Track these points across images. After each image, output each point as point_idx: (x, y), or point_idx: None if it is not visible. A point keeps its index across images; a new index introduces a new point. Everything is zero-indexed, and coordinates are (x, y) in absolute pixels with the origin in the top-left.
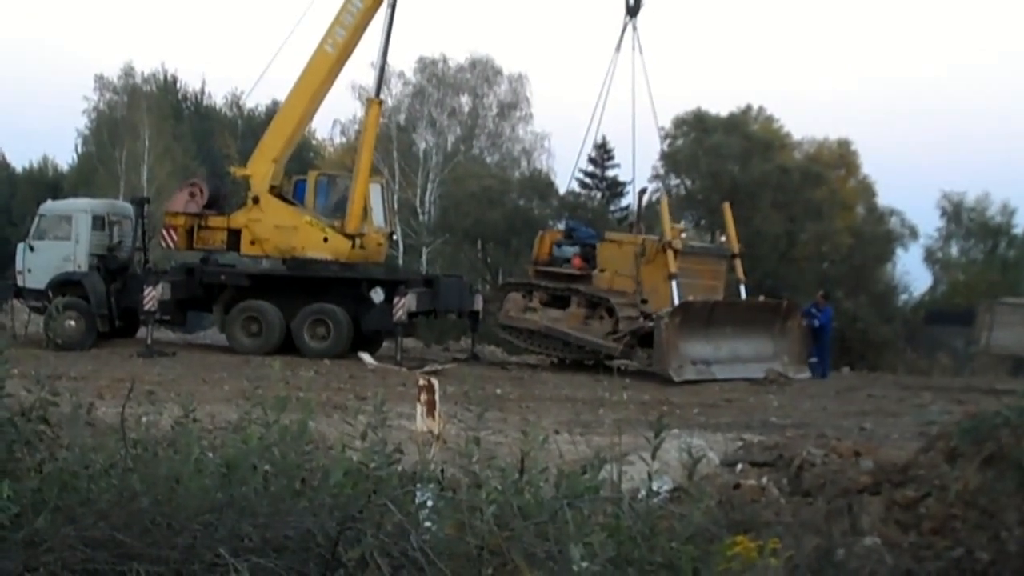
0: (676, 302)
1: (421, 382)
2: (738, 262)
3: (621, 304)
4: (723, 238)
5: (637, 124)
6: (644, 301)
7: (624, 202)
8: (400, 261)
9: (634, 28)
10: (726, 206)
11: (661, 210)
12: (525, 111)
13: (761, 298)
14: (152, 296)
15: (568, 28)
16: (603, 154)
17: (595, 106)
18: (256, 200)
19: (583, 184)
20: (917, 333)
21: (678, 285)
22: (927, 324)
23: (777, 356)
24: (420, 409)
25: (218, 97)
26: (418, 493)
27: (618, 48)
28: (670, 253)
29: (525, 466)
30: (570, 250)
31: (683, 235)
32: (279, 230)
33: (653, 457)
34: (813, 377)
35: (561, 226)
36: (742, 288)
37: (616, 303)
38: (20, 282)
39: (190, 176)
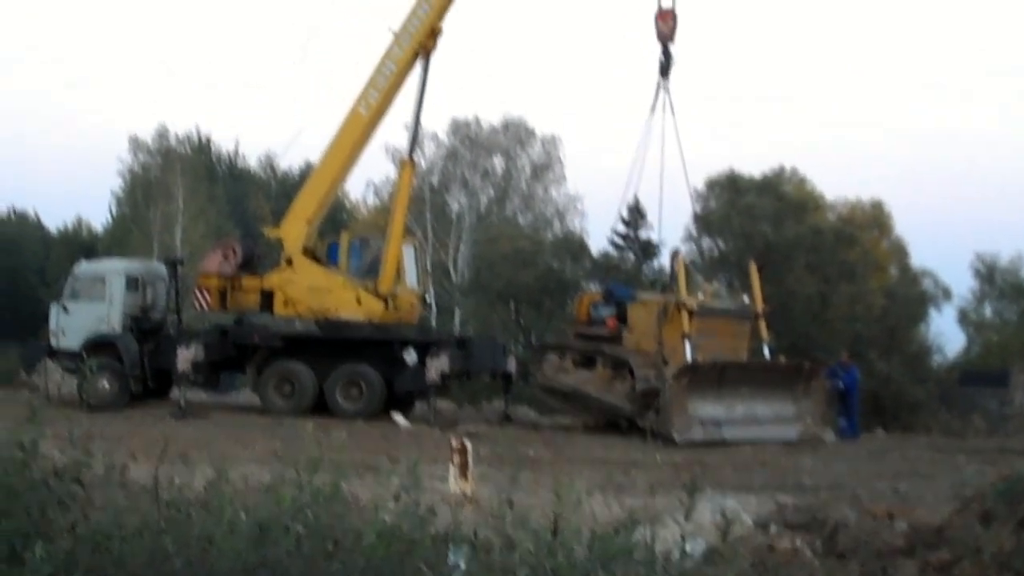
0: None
1: (454, 443)
2: (762, 323)
3: (640, 365)
4: (745, 298)
5: (671, 185)
6: (666, 362)
7: (657, 263)
8: (433, 322)
9: (666, 89)
10: (752, 266)
11: (677, 271)
12: (558, 172)
13: (781, 359)
14: (185, 357)
15: (601, 89)
16: (636, 215)
17: (632, 167)
18: (289, 261)
19: (616, 245)
20: (951, 394)
21: (692, 346)
22: (961, 385)
23: (800, 417)
24: (453, 470)
25: (252, 158)
26: (451, 555)
27: (652, 109)
28: (684, 314)
29: (558, 528)
30: (606, 311)
31: (711, 295)
32: (312, 291)
33: (687, 519)
34: (841, 439)
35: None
36: (766, 349)
37: (635, 364)
38: (54, 343)
39: (224, 237)
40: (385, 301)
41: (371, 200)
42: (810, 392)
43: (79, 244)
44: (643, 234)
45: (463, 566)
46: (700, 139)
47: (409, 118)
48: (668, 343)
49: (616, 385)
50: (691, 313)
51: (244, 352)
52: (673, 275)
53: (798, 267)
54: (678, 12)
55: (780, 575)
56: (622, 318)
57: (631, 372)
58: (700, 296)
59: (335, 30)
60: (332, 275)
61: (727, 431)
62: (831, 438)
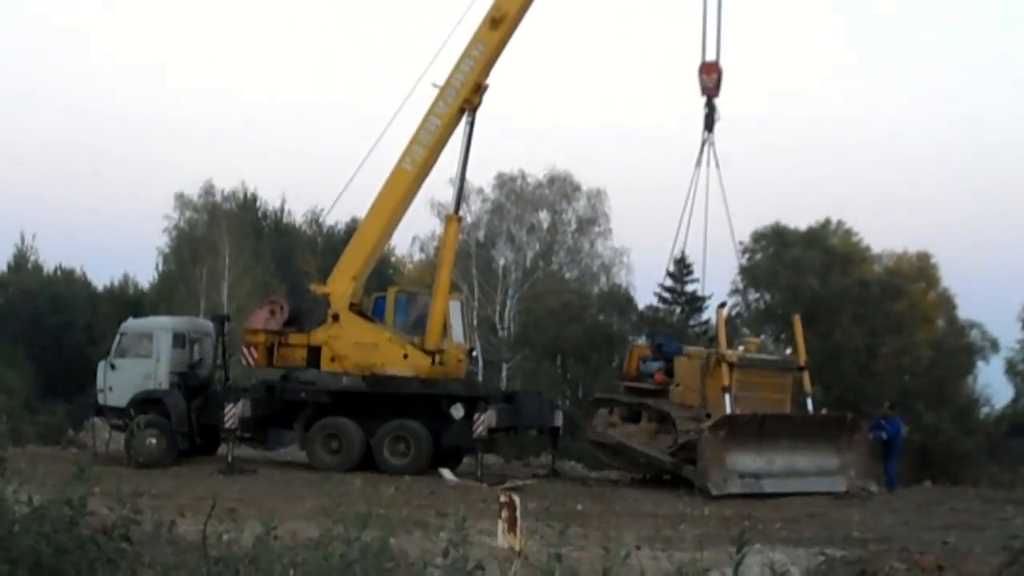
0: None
1: (502, 498)
2: (805, 375)
3: (682, 418)
4: (788, 351)
5: (718, 238)
6: (708, 415)
7: (704, 316)
8: (480, 377)
9: (711, 143)
10: (796, 318)
11: (718, 324)
12: (604, 226)
13: (823, 411)
14: (233, 413)
15: (647, 142)
16: (682, 269)
17: (679, 221)
18: (336, 317)
19: (663, 299)
20: (1000, 446)
21: (732, 398)
22: (1010, 437)
23: (843, 470)
24: (501, 525)
25: (298, 214)
26: None
27: (698, 163)
28: (724, 367)
29: None
30: (654, 365)
31: (756, 348)
32: (359, 347)
33: (736, 573)
34: (887, 490)
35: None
36: (809, 401)
37: (677, 417)
38: (101, 400)
39: (270, 293)
40: (432, 356)
41: (417, 255)
42: (853, 444)
43: (126, 301)
44: (689, 287)
45: None
46: (746, 192)
47: (454, 173)
48: (711, 396)
49: (659, 439)
50: (732, 366)
51: (291, 408)
52: (719, 327)
53: (845, 320)
54: (722, 66)
55: None
56: (670, 372)
57: (674, 425)
58: (741, 349)
59: (379, 84)
60: (379, 331)
61: (767, 484)
62: (875, 490)
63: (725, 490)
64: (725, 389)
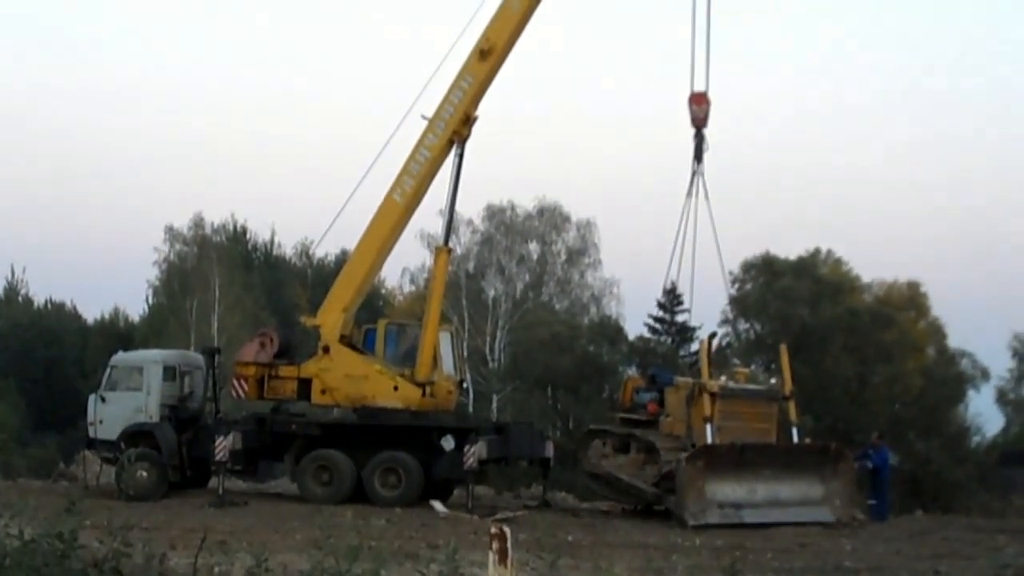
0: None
1: (493, 530)
2: (791, 404)
3: (667, 449)
4: (772, 380)
5: (708, 268)
6: (693, 446)
7: (694, 346)
8: (470, 408)
9: (700, 173)
10: (783, 347)
11: (700, 354)
12: (594, 257)
13: (807, 441)
14: (223, 446)
15: (636, 173)
16: (672, 299)
17: (672, 251)
18: (326, 349)
19: (653, 330)
20: (990, 475)
21: (713, 428)
22: (1001, 466)
23: (828, 500)
24: (492, 557)
25: (287, 247)
26: None
27: (689, 193)
28: (706, 396)
29: None
30: (647, 396)
31: (745, 379)
32: (349, 379)
33: None
34: (872, 520)
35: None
36: (795, 431)
37: (662, 447)
38: (92, 433)
39: (260, 326)
40: (422, 388)
41: (407, 287)
42: (838, 474)
43: (116, 334)
44: (680, 318)
45: None
46: (736, 222)
47: (444, 204)
48: (695, 426)
49: (647, 469)
50: (713, 396)
51: (282, 440)
52: (709, 358)
53: (835, 349)
54: (711, 96)
55: None
56: (662, 402)
57: (658, 456)
58: (723, 379)
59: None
60: (369, 363)
61: (747, 514)
62: (862, 519)
63: (703, 520)
64: (706, 419)
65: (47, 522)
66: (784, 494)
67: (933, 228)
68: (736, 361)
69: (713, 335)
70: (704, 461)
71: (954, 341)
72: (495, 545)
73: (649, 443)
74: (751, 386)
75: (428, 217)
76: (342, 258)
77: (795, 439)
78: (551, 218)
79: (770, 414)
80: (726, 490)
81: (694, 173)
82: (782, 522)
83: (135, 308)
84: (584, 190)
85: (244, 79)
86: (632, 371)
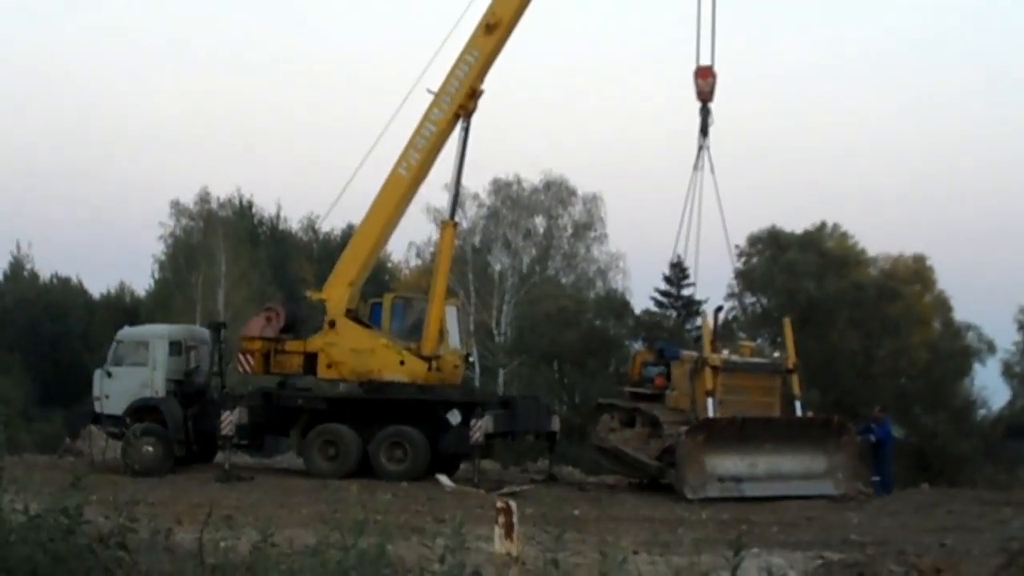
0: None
1: (499, 504)
2: (794, 377)
3: (670, 423)
4: (776, 354)
5: (713, 242)
6: (698, 419)
7: (700, 321)
8: (477, 383)
9: (706, 147)
10: (786, 321)
11: (703, 328)
12: (600, 231)
13: (809, 414)
14: (229, 421)
15: (643, 147)
16: (678, 273)
17: (680, 225)
18: (332, 324)
19: (659, 303)
20: (996, 448)
21: (714, 402)
22: (1007, 439)
23: (830, 473)
24: (498, 531)
25: (293, 221)
26: None
27: (695, 167)
28: (707, 370)
29: None
30: (654, 370)
31: (750, 352)
32: (355, 353)
33: None
34: (876, 494)
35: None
36: (798, 404)
37: (665, 421)
38: (98, 408)
39: (266, 301)
40: (428, 362)
41: (413, 261)
42: (841, 447)
43: (122, 309)
44: (686, 292)
45: None
46: (743, 196)
47: (450, 179)
48: (699, 400)
49: (652, 443)
50: (716, 369)
51: (288, 415)
52: (715, 331)
53: (841, 323)
54: (717, 70)
55: None
56: (670, 376)
57: (662, 430)
58: (725, 353)
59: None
60: (375, 337)
61: (748, 487)
62: (859, 491)
63: (702, 494)
64: (708, 392)
65: (52, 497)
66: (786, 467)
67: (939, 202)
68: (742, 335)
69: (719, 309)
70: (705, 435)
71: (960, 314)
72: (501, 519)
73: (653, 417)
74: (754, 359)
75: (434, 191)
76: (348, 232)
77: (799, 413)
78: (557, 192)
79: (773, 387)
80: (727, 464)
81: (700, 147)
82: (784, 495)
83: (141, 283)
84: (590, 164)
85: (251, 53)
86: (639, 345)
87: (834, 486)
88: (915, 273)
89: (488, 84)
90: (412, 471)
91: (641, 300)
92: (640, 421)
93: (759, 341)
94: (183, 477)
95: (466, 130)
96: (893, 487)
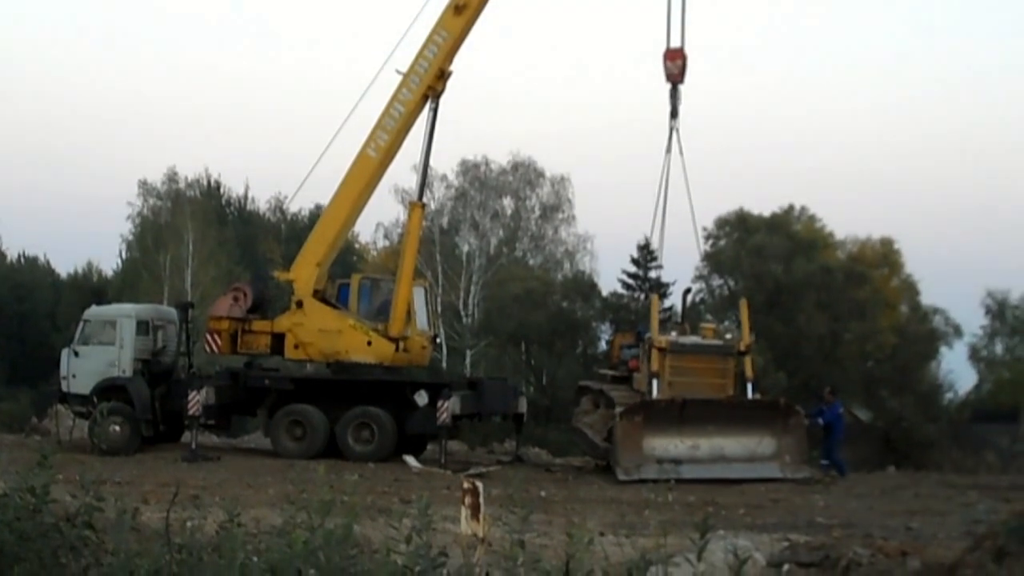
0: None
1: (465, 485)
2: (747, 360)
3: (623, 404)
4: (729, 335)
5: (681, 224)
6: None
7: (667, 303)
8: (444, 364)
9: (675, 130)
10: (743, 302)
11: (651, 310)
12: (567, 213)
13: (756, 396)
14: (196, 400)
15: (610, 129)
16: (646, 255)
17: (655, 208)
18: (300, 304)
19: (627, 285)
20: (963, 432)
21: (658, 383)
22: (973, 422)
23: (777, 456)
24: (465, 512)
25: (261, 202)
26: None
27: (667, 150)
28: (654, 352)
29: (570, 568)
30: (630, 352)
31: (713, 334)
32: (323, 334)
33: (699, 559)
34: (824, 475)
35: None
36: (749, 386)
37: (620, 403)
38: (65, 387)
39: (234, 281)
40: (396, 343)
41: (381, 242)
42: (789, 430)
43: (89, 289)
44: (653, 274)
45: None
46: (712, 178)
47: (418, 160)
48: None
49: (607, 425)
50: (661, 351)
51: (255, 395)
52: (684, 313)
53: (808, 306)
54: (687, 52)
55: None
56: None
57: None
58: (673, 335)
59: (342, 70)
60: (343, 317)
61: (687, 470)
62: (809, 475)
63: (636, 475)
64: (653, 374)
65: (19, 476)
66: (730, 450)
67: (907, 186)
68: (709, 317)
69: (688, 291)
70: (642, 416)
71: (927, 298)
72: (467, 500)
73: (610, 399)
74: (705, 341)
75: (402, 172)
76: (316, 213)
77: (750, 395)
78: (525, 174)
79: (726, 369)
80: (667, 445)
81: (672, 129)
82: (725, 478)
83: (108, 263)
84: (558, 146)
85: (218, 32)
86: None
87: (780, 469)
88: (883, 256)
89: (456, 65)
90: (379, 452)
91: (608, 282)
92: (602, 403)
93: (726, 323)
94: (150, 457)
95: (434, 111)
96: (846, 470)
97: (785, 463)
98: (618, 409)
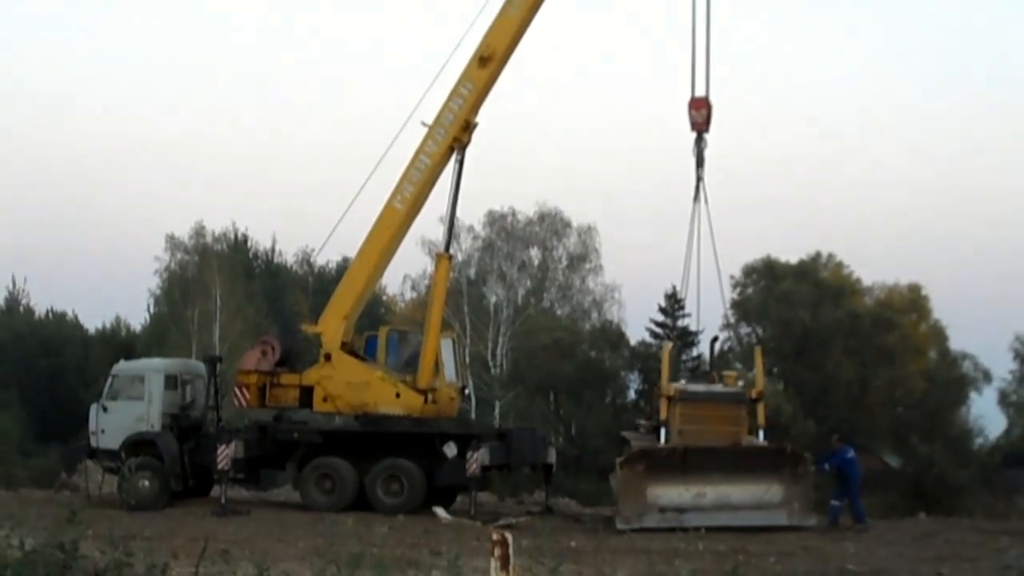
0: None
1: (495, 536)
2: (759, 407)
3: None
4: (741, 382)
5: (710, 272)
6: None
7: (695, 351)
8: (473, 415)
9: (700, 178)
10: (757, 349)
11: (663, 359)
12: (595, 262)
13: (763, 443)
14: (225, 454)
15: (637, 178)
16: (673, 303)
17: (686, 257)
18: (328, 357)
19: (655, 334)
20: (994, 476)
21: (667, 432)
22: (1003, 467)
23: (786, 503)
24: (494, 564)
25: (288, 255)
26: None
27: (695, 199)
28: (663, 401)
29: None
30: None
31: (733, 382)
32: (351, 386)
33: None
34: (832, 518)
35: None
36: (761, 433)
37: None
38: (94, 443)
39: (262, 334)
40: (424, 395)
41: (408, 294)
42: (797, 477)
43: (118, 344)
44: (682, 322)
45: None
46: (739, 226)
47: (445, 211)
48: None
49: None
50: (670, 399)
51: (284, 448)
52: (712, 361)
53: (837, 352)
54: (712, 100)
55: None
56: None
57: None
58: (682, 382)
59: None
60: (371, 370)
61: (691, 518)
62: (812, 523)
63: (637, 524)
64: (662, 423)
65: (48, 532)
66: (736, 497)
67: (934, 231)
68: (739, 365)
69: (715, 339)
70: (644, 465)
71: (956, 343)
72: (497, 551)
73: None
74: (715, 388)
75: (429, 224)
76: (343, 265)
77: (760, 442)
78: (552, 224)
79: (738, 417)
80: (670, 493)
81: (698, 178)
82: (731, 526)
83: (136, 317)
84: (585, 196)
85: (245, 87)
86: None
87: (788, 517)
88: (910, 302)
89: (482, 116)
90: (408, 504)
91: (636, 331)
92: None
93: (752, 372)
94: (179, 511)
95: (460, 162)
96: (865, 517)
97: (793, 511)
98: (619, 459)
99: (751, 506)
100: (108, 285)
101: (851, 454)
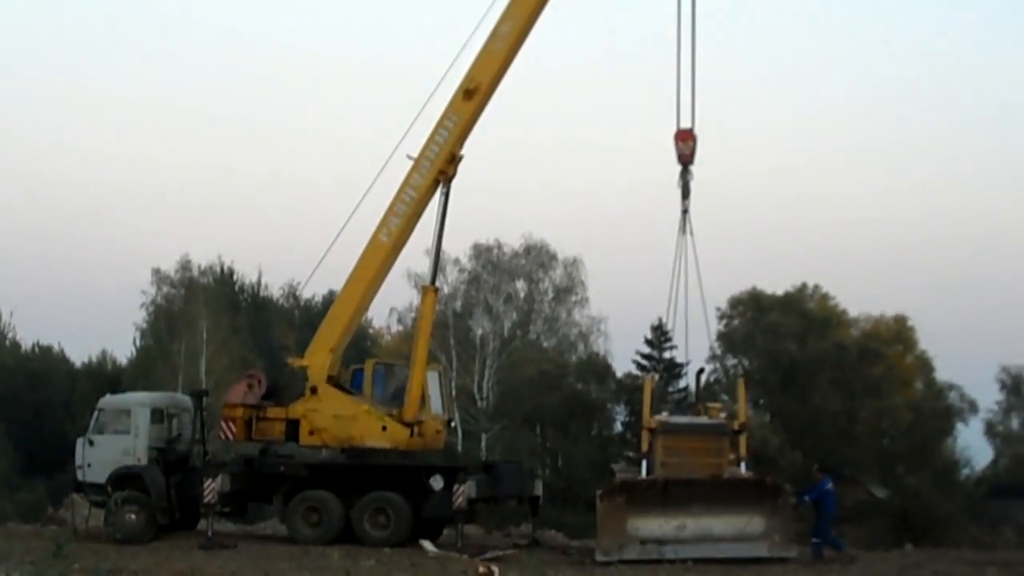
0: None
1: (481, 569)
2: (741, 438)
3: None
4: (724, 414)
5: (696, 304)
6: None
7: (682, 383)
8: (459, 448)
9: (685, 210)
10: (740, 381)
11: (644, 392)
12: (581, 295)
13: (744, 474)
14: (212, 488)
15: (622, 210)
16: (659, 336)
17: (671, 289)
18: (314, 390)
19: (641, 366)
20: (980, 507)
21: (647, 464)
22: (990, 498)
23: (766, 535)
24: None
25: (274, 288)
26: None
27: (681, 231)
28: (644, 433)
29: None
30: None
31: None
32: (337, 420)
33: None
34: (814, 557)
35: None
36: (742, 465)
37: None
38: (80, 476)
39: (248, 367)
40: (411, 428)
41: (395, 327)
42: (778, 509)
43: (104, 377)
44: (668, 354)
45: None
46: (725, 258)
47: (430, 244)
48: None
49: None
50: (651, 431)
51: (270, 482)
52: (698, 393)
53: (823, 384)
54: (697, 133)
55: None
56: None
57: None
58: (664, 415)
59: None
60: (357, 403)
61: (671, 550)
62: (793, 555)
63: (617, 556)
64: (643, 455)
65: (35, 567)
66: (717, 529)
67: (919, 262)
68: (725, 397)
69: (701, 371)
70: (624, 497)
71: (942, 374)
72: None
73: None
74: (697, 420)
75: (415, 257)
76: (329, 299)
77: (742, 473)
78: (538, 256)
79: (721, 448)
80: (651, 525)
81: (684, 210)
82: (712, 558)
83: (122, 351)
84: (570, 228)
85: (229, 119)
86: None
87: (768, 549)
88: (896, 334)
89: (467, 149)
90: (395, 537)
91: (623, 363)
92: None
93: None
94: (166, 545)
95: (446, 195)
96: (843, 545)
97: (774, 543)
98: (598, 491)
99: (732, 538)
100: (94, 319)
101: (829, 485)
